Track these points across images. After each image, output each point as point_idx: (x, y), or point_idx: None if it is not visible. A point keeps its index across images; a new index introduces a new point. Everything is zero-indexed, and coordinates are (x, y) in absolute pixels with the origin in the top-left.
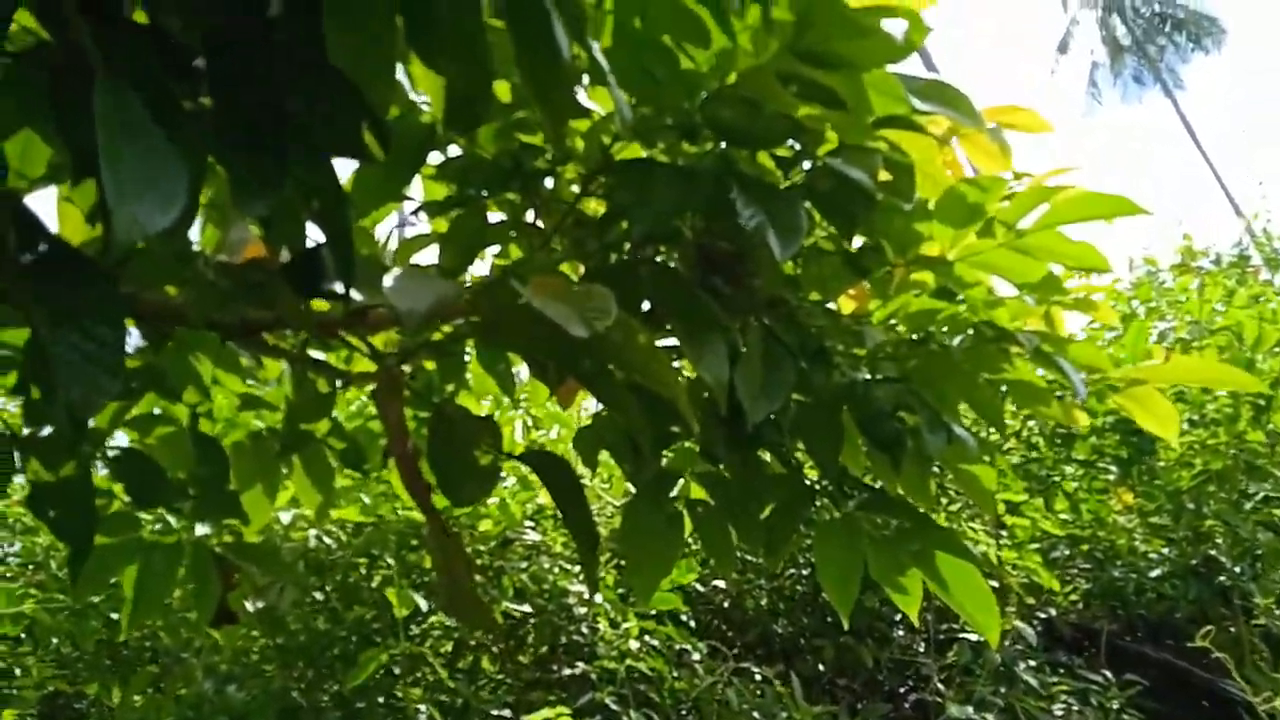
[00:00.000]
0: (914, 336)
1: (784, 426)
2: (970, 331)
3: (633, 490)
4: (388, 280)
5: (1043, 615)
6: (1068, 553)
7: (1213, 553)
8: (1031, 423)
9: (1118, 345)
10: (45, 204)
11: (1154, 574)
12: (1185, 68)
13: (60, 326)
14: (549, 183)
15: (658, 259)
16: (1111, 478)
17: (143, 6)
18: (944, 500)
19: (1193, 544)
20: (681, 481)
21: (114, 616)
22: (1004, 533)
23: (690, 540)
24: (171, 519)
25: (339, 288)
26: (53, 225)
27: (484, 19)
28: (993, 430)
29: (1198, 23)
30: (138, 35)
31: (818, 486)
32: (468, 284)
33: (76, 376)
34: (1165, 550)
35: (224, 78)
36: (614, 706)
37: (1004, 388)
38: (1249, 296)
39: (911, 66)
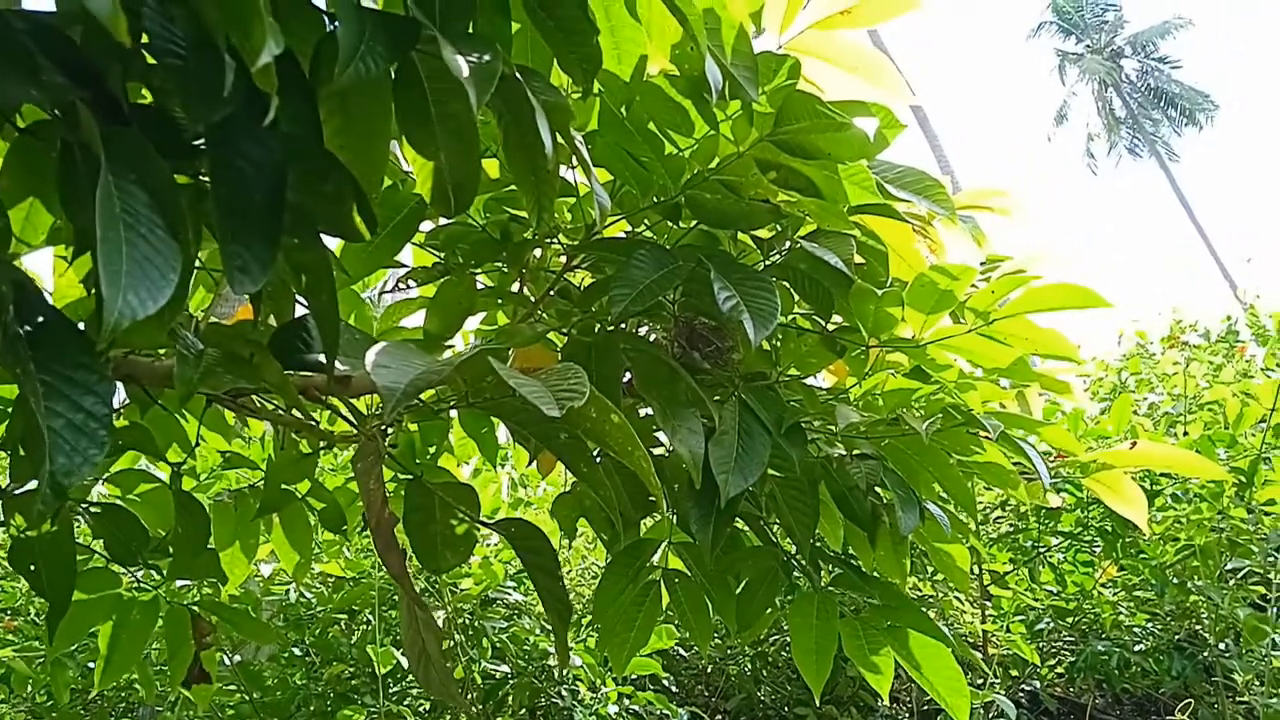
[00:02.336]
0: (890, 417)
1: (761, 501)
2: (940, 415)
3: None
4: (370, 354)
5: (1027, 688)
6: (1052, 625)
7: (1197, 628)
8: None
9: (1104, 420)
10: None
11: (1138, 648)
12: (1179, 140)
13: (50, 398)
14: (537, 253)
15: (640, 331)
16: (1097, 550)
17: (151, 94)
18: (929, 569)
19: (1177, 619)
20: (660, 551)
21: (91, 666)
22: (988, 604)
23: (670, 609)
24: (149, 575)
25: (323, 358)
26: (48, 277)
27: (473, 110)
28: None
29: (1191, 98)
30: (145, 121)
31: (793, 561)
32: (449, 354)
33: (62, 446)
34: (1149, 624)
35: (224, 163)
36: None
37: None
38: (1237, 373)
39: (912, 131)
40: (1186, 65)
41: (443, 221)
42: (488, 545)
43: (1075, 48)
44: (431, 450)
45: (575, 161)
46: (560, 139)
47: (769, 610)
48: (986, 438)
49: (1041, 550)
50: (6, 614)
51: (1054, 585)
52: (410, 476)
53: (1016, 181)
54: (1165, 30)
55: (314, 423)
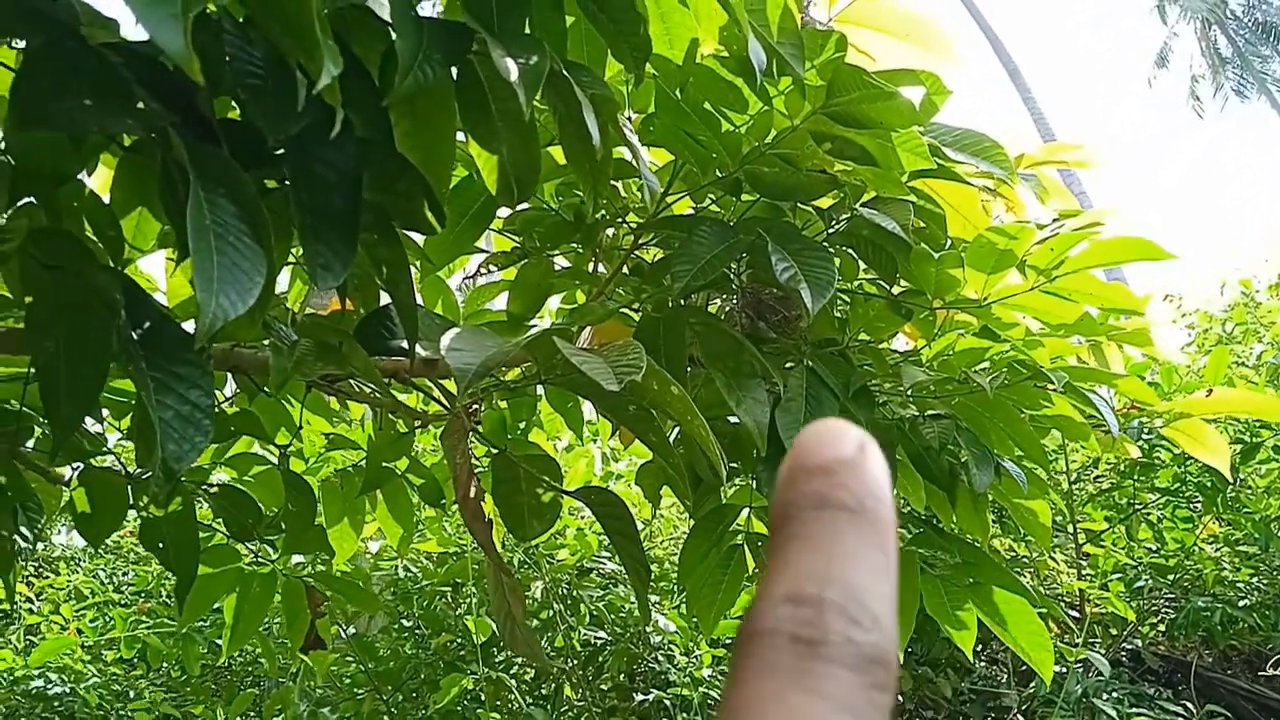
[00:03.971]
0: (960, 377)
1: None
2: (1005, 370)
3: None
4: (445, 338)
5: (1129, 647)
6: (1152, 583)
7: None
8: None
9: (1203, 372)
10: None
11: (1243, 603)
12: None
13: (160, 392)
14: (610, 233)
15: (712, 304)
16: (1197, 506)
17: (239, 110)
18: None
19: None
20: (744, 516)
21: (218, 642)
22: (1084, 563)
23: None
24: (265, 550)
25: (405, 344)
26: (162, 278)
27: (531, 106)
28: (1053, 465)
29: None
30: (233, 135)
31: None
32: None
33: (172, 434)
34: (1254, 579)
35: (304, 171)
36: None
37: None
38: None
39: (1005, 86)
40: None
41: (520, 207)
42: (581, 518)
43: None
44: (521, 426)
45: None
46: (611, 128)
47: None
48: (1053, 390)
49: (1138, 507)
50: (141, 596)
51: (1153, 542)
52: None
53: (1113, 132)
54: None
55: (406, 405)
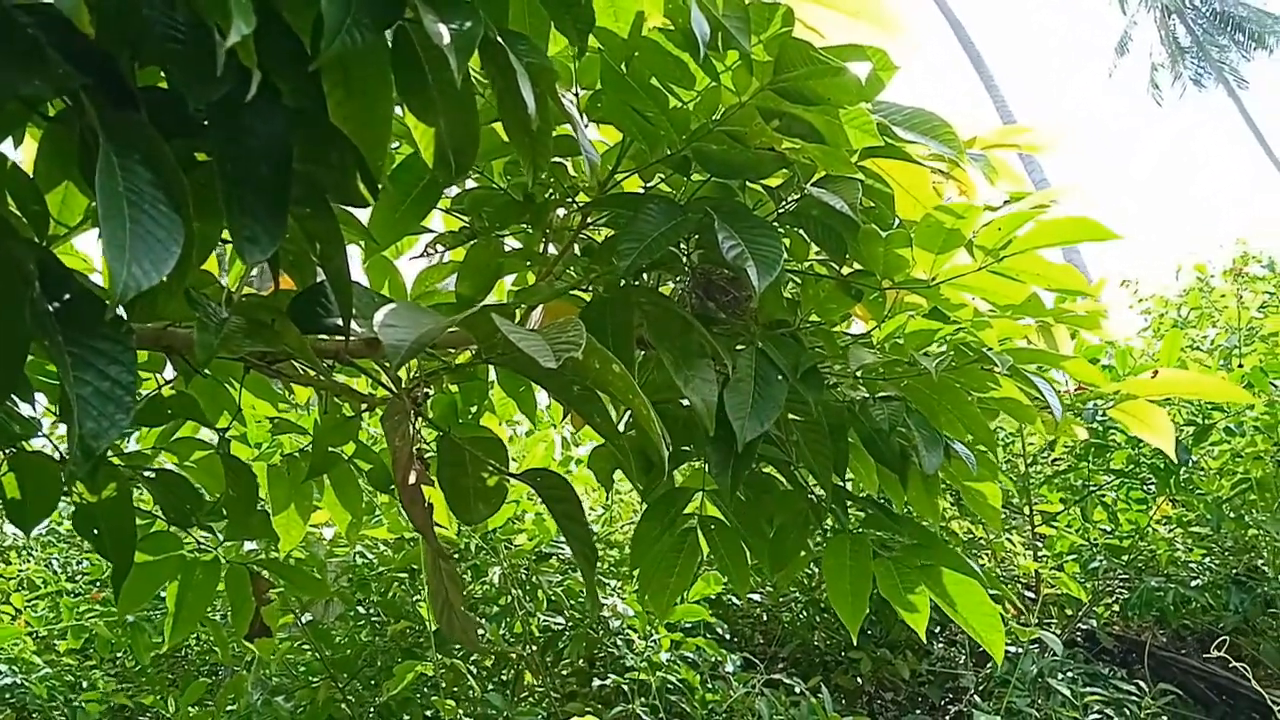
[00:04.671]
0: (908, 360)
1: (789, 447)
2: (952, 353)
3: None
4: (378, 315)
5: (1084, 627)
6: (1106, 564)
7: (1258, 562)
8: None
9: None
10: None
11: (1195, 584)
12: (1248, 66)
13: (78, 367)
14: (561, 213)
15: (660, 288)
16: (1151, 488)
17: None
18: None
19: (1235, 553)
20: (697, 500)
21: None
22: (1041, 545)
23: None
24: (214, 538)
25: (340, 322)
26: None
27: (470, 77)
28: (1010, 448)
29: (1259, 20)
30: (155, 103)
31: (825, 505)
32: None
33: (90, 411)
34: (1206, 560)
35: (229, 139)
36: (646, 718)
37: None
38: None
39: (967, 72)
40: None
41: (469, 185)
42: (540, 502)
43: None
44: (473, 410)
45: (586, 120)
46: (550, 99)
47: (802, 553)
48: (999, 373)
49: (1093, 489)
50: (96, 585)
51: (1107, 524)
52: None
53: (1077, 120)
54: None
55: (352, 388)
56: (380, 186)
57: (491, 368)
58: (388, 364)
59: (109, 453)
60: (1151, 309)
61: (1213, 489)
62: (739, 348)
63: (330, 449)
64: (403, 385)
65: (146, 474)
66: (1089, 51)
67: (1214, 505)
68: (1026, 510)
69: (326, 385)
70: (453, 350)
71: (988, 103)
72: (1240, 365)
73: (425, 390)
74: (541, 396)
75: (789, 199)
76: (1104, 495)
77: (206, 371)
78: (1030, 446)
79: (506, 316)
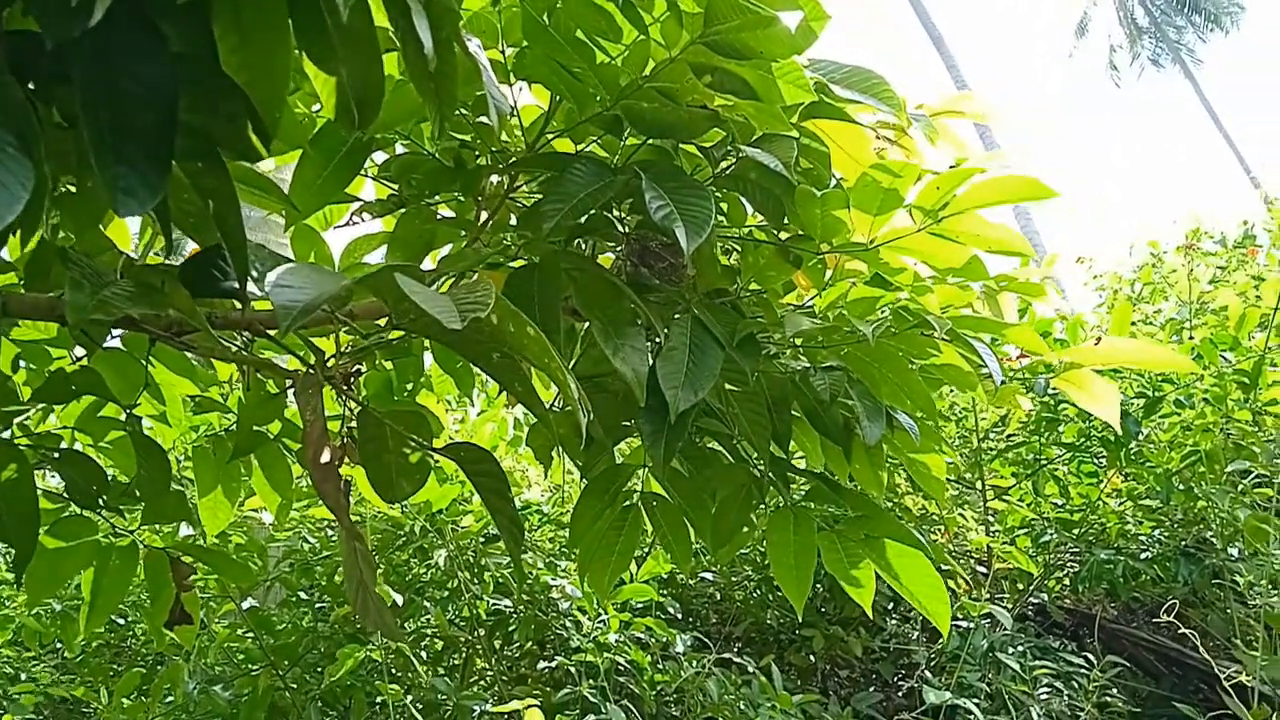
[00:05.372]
0: (847, 328)
1: (729, 418)
2: (890, 317)
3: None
4: (271, 275)
5: (1035, 601)
6: (1057, 538)
7: (1207, 534)
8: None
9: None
10: None
11: (1145, 556)
12: (1204, 46)
13: None
14: (495, 181)
15: (596, 257)
16: (1102, 462)
17: (25, 14)
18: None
19: (1184, 525)
20: (638, 476)
21: (118, 620)
22: (992, 518)
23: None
24: (133, 521)
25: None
26: None
27: (372, 21)
28: (963, 422)
29: (1215, 2)
30: (15, 45)
31: (768, 478)
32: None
33: None
34: (1156, 532)
35: (103, 83)
36: (593, 699)
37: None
38: (1250, 277)
39: (929, 53)
40: None
41: (399, 152)
42: None
43: None
44: (409, 388)
45: (499, 80)
46: (456, 46)
47: (745, 529)
48: (939, 338)
49: (1044, 463)
50: None
51: (1058, 498)
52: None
53: (1032, 97)
54: None
55: (273, 363)
56: (301, 151)
57: (428, 343)
58: (316, 339)
59: (7, 432)
60: (1106, 285)
61: (1162, 462)
62: (675, 317)
63: (255, 428)
64: (325, 357)
65: (53, 454)
66: (1050, 33)
67: (1164, 478)
68: (979, 485)
69: (241, 359)
70: (379, 324)
71: (949, 83)
72: (1191, 338)
73: (355, 367)
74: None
75: (725, 163)
76: (1055, 469)
77: (120, 347)
78: (983, 422)
79: (415, 280)
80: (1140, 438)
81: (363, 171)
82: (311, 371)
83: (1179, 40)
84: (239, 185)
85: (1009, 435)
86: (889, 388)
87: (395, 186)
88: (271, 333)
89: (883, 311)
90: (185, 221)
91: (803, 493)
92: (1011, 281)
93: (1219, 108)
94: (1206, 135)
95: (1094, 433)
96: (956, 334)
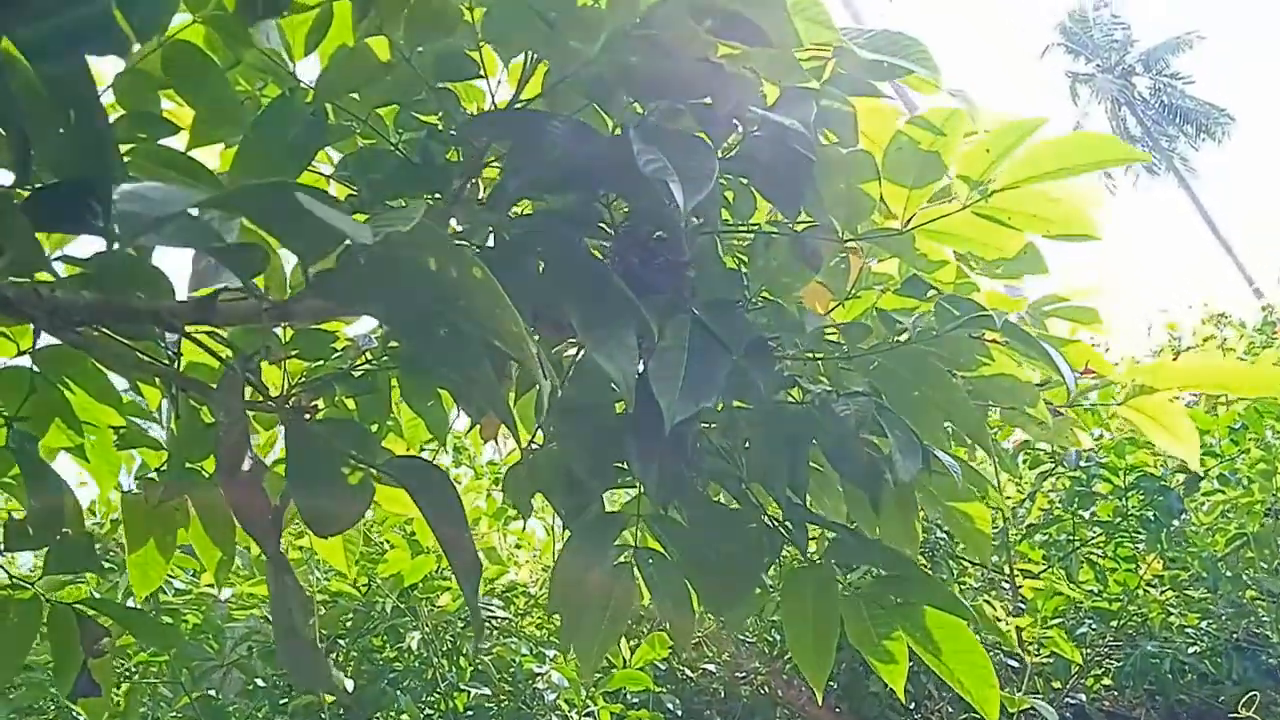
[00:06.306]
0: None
1: (738, 458)
2: (930, 313)
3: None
4: (122, 187)
5: (1072, 701)
6: (1095, 629)
7: (1258, 628)
8: (1047, 482)
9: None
10: None
11: (1192, 651)
12: (1196, 156)
13: None
14: (472, 184)
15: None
16: (1140, 544)
17: None
18: (951, 566)
19: (1233, 617)
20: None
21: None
22: (1023, 607)
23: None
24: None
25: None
26: None
27: None
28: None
29: (1206, 113)
30: None
31: (782, 529)
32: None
33: None
34: (1203, 624)
35: None
36: None
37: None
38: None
39: None
40: (1199, 80)
41: (361, 145)
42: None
43: (1085, 68)
44: (374, 429)
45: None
46: None
47: (756, 590)
48: (994, 341)
49: (1078, 544)
50: None
51: (1094, 584)
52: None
53: None
54: (1176, 46)
55: (195, 380)
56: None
57: (393, 379)
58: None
59: None
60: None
61: (1206, 545)
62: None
63: (189, 464)
64: (250, 354)
65: None
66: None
67: (1209, 563)
68: (1006, 569)
69: (157, 371)
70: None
71: None
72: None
73: (313, 402)
74: (460, 422)
75: (731, 141)
76: (1089, 552)
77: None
78: (1007, 498)
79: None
80: (1182, 518)
81: (316, 169)
82: (233, 368)
83: (1171, 148)
84: (165, 170)
85: (1042, 511)
86: (928, 411)
87: (355, 187)
88: (189, 330)
89: (914, 323)
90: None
91: (823, 546)
92: (1062, 301)
93: (1216, 216)
94: (1204, 243)
95: (1131, 511)
96: (1016, 329)
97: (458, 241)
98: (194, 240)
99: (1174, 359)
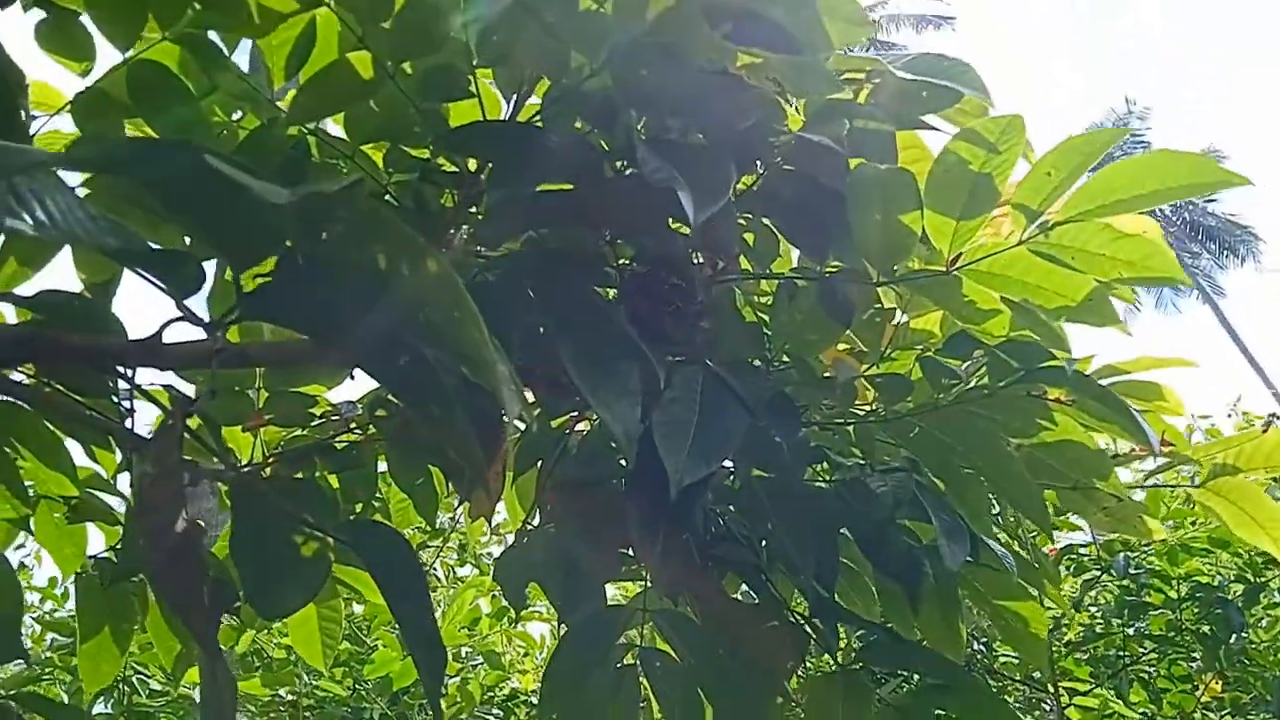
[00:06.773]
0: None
1: (760, 546)
2: (984, 367)
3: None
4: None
5: None
6: None
7: None
8: (1093, 591)
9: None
10: None
11: None
12: (1222, 275)
13: None
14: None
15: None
16: (1195, 662)
17: None
18: (989, 682)
19: None
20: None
21: None
22: None
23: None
24: None
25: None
26: None
27: None
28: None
29: (1229, 230)
30: None
31: (808, 628)
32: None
33: None
34: None
35: None
36: None
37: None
38: None
39: None
40: (1222, 198)
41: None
42: (474, 666)
43: None
44: (358, 509)
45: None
46: None
47: (778, 699)
48: (1058, 401)
49: (1129, 661)
50: None
51: (1146, 706)
52: None
53: None
54: None
55: (132, 431)
56: None
57: (383, 457)
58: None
59: None
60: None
61: (1271, 664)
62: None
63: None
64: (190, 403)
65: None
66: None
67: (1274, 685)
68: (1051, 688)
69: (105, 428)
70: (318, 416)
71: None
72: None
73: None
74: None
75: (748, 180)
76: (1140, 670)
77: None
78: (1049, 609)
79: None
80: (1243, 633)
81: None
82: (171, 414)
83: (1195, 266)
84: (130, 208)
85: (1092, 621)
86: (977, 489)
87: None
88: (123, 371)
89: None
90: None
91: (855, 648)
92: (1121, 374)
93: (1245, 336)
94: (1233, 364)
95: (1185, 625)
96: (1094, 384)
97: None
98: (76, 236)
99: (1264, 431)
